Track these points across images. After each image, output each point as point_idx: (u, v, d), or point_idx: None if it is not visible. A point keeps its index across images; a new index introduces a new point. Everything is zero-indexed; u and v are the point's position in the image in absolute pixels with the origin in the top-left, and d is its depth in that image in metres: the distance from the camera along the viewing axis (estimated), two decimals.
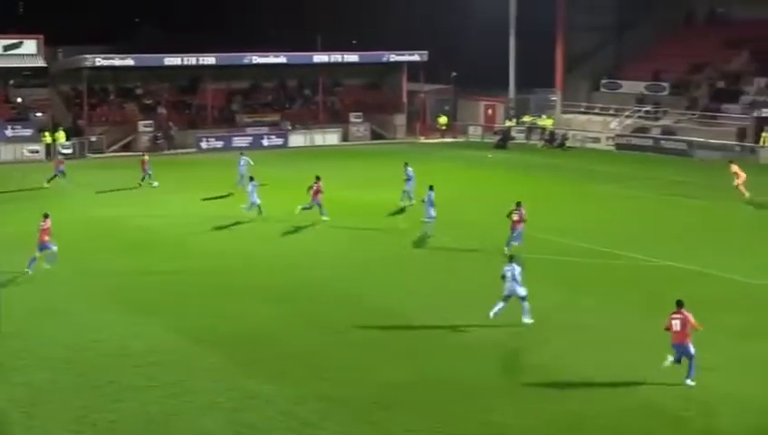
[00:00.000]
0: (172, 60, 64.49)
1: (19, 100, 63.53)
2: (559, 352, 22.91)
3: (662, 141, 61.73)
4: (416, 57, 69.53)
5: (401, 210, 40.55)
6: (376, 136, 68.90)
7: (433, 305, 26.79)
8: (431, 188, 35.90)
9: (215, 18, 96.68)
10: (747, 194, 42.19)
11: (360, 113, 68.97)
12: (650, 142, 62.16)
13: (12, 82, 64.74)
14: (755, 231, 37.35)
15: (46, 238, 29.99)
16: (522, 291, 24.49)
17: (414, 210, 39.23)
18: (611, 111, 66.99)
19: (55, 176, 47.64)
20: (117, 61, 63.72)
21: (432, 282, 29.56)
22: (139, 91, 66.45)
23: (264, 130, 65.76)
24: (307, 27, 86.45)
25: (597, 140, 65.02)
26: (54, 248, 30.19)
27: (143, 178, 47.37)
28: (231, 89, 68.54)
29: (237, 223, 38.30)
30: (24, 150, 58.82)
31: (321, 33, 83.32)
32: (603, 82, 70.30)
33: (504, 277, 24.66)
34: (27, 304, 26.78)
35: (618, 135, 64.20)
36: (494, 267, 30.33)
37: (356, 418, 19.19)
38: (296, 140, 66.10)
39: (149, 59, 65.20)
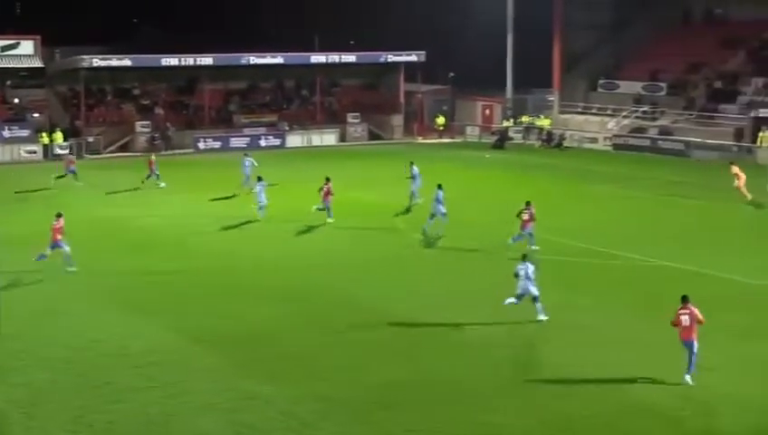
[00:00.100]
0: (169, 60, 64.41)
1: (16, 100, 63.54)
2: (557, 352, 22.96)
3: (659, 141, 61.75)
4: (413, 57, 69.53)
5: (407, 209, 40.63)
6: (373, 136, 68.91)
7: (432, 305, 26.80)
8: (440, 186, 36.05)
9: (214, 18, 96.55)
10: (749, 196, 42.03)
11: (357, 114, 68.98)
12: (647, 142, 62.19)
13: (9, 82, 64.69)
14: (753, 231, 37.35)
15: (59, 237, 29.91)
16: (534, 290, 24.68)
17: (418, 209, 39.28)
18: (609, 112, 67.00)
19: (65, 175, 47.27)
20: (114, 61, 63.73)
21: (432, 282, 29.58)
22: (136, 92, 66.43)
23: (262, 130, 65.76)
24: (307, 27, 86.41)
25: (594, 140, 65.04)
26: (67, 249, 30.01)
27: (147, 178, 47.17)
28: (228, 89, 68.48)
29: (238, 224, 38.25)
30: (22, 151, 58.85)
31: (320, 34, 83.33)
32: (600, 82, 70.29)
33: (517, 275, 24.81)
34: (27, 305, 26.76)
35: (615, 135, 64.23)
36: (494, 267, 30.41)
37: (355, 418, 19.20)
38: (294, 140, 66.11)
39: (147, 59, 65.13)
